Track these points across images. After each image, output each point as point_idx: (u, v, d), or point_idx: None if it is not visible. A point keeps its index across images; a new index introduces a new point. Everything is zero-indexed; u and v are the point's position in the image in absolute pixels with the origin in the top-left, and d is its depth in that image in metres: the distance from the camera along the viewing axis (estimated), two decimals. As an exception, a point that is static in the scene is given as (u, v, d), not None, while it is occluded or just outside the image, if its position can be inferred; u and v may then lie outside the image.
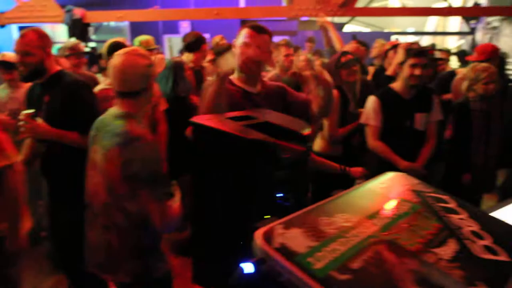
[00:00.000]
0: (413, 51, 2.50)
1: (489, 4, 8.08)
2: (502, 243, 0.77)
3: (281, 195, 1.24)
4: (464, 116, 2.88)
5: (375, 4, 10.61)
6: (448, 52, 5.45)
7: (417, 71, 2.45)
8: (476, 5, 9.05)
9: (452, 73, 4.42)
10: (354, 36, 4.87)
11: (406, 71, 2.50)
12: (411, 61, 2.48)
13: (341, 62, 2.73)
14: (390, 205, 0.82)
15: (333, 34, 3.97)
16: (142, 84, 1.76)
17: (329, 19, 4.46)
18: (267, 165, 1.20)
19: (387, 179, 0.95)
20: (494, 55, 3.54)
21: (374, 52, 4.63)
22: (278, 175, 1.26)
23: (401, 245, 0.69)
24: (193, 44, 3.36)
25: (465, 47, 9.63)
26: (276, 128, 1.36)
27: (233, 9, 4.61)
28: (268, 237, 0.65)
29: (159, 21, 8.05)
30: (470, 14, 8.58)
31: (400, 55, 2.70)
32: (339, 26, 9.10)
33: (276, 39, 6.62)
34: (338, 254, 0.63)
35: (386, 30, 11.95)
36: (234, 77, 1.92)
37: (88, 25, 5.71)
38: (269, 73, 3.53)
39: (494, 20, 8.32)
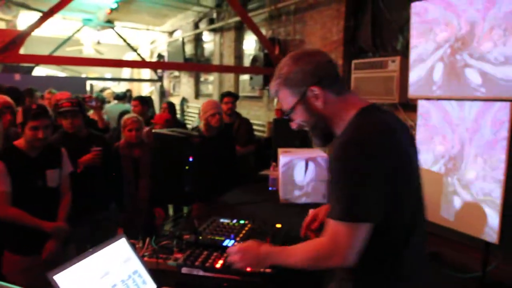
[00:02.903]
0: (32, 111, 2.28)
1: (168, 59, 9.38)
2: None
3: None
4: (115, 160, 3.09)
5: (69, 49, 10.56)
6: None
7: (40, 134, 2.27)
8: (160, 56, 10.38)
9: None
10: None
11: (27, 133, 2.29)
12: (31, 123, 2.27)
13: None
14: None
15: None
16: None
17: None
18: None
19: None
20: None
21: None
22: None
23: None
24: None
25: (156, 92, 10.86)
26: None
27: None
28: None
29: None
30: (156, 67, 9.74)
31: (19, 116, 2.34)
32: (27, 69, 8.54)
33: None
34: None
35: (83, 75, 11.96)
36: None
37: None
38: None
39: (175, 70, 9.73)
